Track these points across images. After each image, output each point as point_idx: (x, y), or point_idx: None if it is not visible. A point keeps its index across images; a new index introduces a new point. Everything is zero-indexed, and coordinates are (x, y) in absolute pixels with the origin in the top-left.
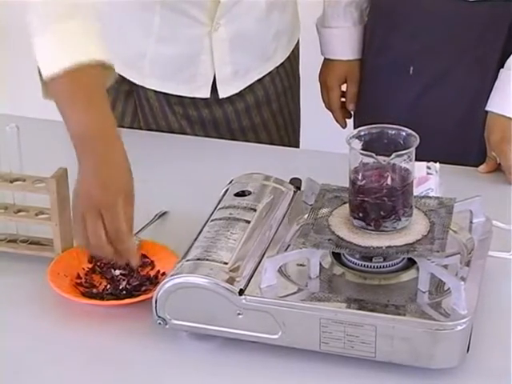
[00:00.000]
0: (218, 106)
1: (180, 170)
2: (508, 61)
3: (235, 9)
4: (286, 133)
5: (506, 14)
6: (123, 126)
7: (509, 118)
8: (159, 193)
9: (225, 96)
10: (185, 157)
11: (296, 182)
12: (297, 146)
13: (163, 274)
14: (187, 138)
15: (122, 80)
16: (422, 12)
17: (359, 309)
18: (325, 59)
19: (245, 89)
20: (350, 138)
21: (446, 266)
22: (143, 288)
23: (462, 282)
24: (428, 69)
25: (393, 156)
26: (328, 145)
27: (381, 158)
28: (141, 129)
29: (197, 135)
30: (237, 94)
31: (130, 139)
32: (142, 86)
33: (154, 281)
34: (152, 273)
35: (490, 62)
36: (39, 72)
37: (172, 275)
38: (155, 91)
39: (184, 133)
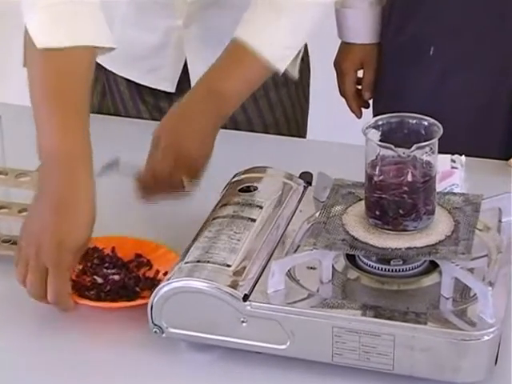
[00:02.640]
0: None
1: None
2: None
3: (210, 9)
4: (287, 124)
5: None
6: (91, 106)
7: None
8: None
9: None
10: None
11: (306, 177)
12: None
13: (165, 273)
14: None
15: None
16: None
17: (376, 316)
18: (341, 43)
19: None
20: (367, 127)
21: (471, 270)
22: (139, 289)
23: (490, 288)
24: (449, 50)
25: (413, 148)
26: (332, 136)
27: (400, 150)
28: (109, 111)
29: None
30: None
31: (112, 126)
32: (106, 70)
33: (155, 282)
34: (150, 273)
35: None
36: (25, 37)
37: (169, 279)
38: (126, 79)
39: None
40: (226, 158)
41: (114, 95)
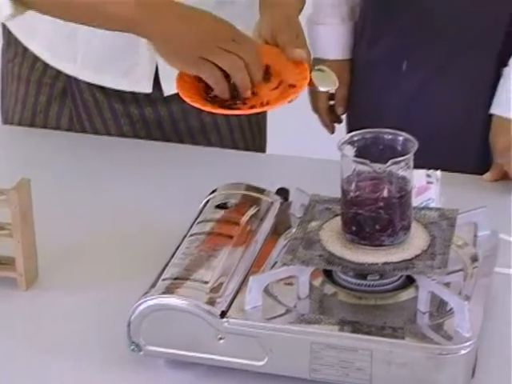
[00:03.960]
0: (163, 103)
1: (151, 178)
2: (511, 59)
3: None
4: (243, 135)
5: (506, 5)
6: (59, 129)
7: None
8: (130, 205)
9: (169, 93)
10: (154, 163)
11: (283, 193)
12: (262, 151)
13: (292, 85)
14: (149, 142)
15: (57, 75)
16: (413, 5)
17: (353, 332)
18: (313, 59)
19: None
20: (342, 143)
21: (448, 284)
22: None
23: (466, 302)
24: (422, 65)
25: (389, 163)
26: (304, 150)
27: (376, 166)
28: (76, 131)
29: (138, 136)
30: None
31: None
32: (76, 81)
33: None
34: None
35: (487, 58)
36: None
37: (147, 296)
38: (91, 86)
39: (123, 133)
40: (202, 174)
41: (79, 109)
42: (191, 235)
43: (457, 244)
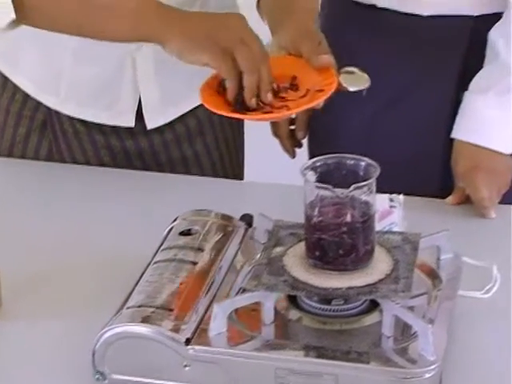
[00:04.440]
0: (144, 136)
1: (116, 206)
2: (471, 83)
3: None
4: (223, 167)
5: (463, 30)
6: (38, 160)
7: (476, 145)
8: (93, 233)
9: (153, 127)
10: (120, 192)
11: (247, 219)
12: (240, 179)
13: (320, 90)
14: (118, 171)
15: (37, 106)
16: (372, 29)
17: (318, 357)
18: None
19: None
20: (305, 169)
21: (411, 308)
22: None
23: (430, 325)
24: (382, 90)
25: (352, 188)
26: (278, 177)
27: (338, 191)
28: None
29: (118, 167)
30: (166, 124)
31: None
32: (57, 114)
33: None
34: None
35: (447, 82)
36: None
37: (111, 324)
38: (72, 118)
39: (103, 164)
40: (166, 201)
41: (59, 141)
42: (155, 263)
43: (420, 268)
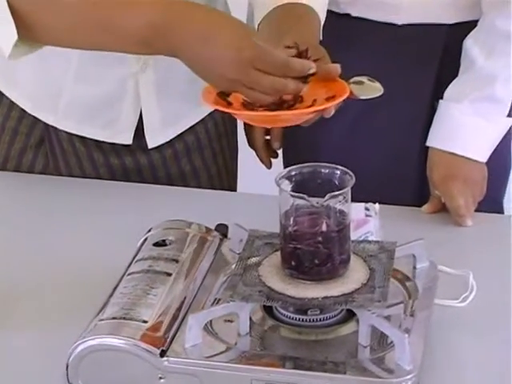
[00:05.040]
0: (143, 153)
1: (92, 218)
2: (447, 91)
3: None
4: (220, 180)
5: (438, 38)
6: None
7: (452, 153)
8: (71, 244)
9: (154, 146)
10: (96, 204)
11: (222, 229)
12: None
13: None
14: (101, 182)
15: (34, 123)
16: (347, 38)
17: (295, 367)
18: None
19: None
20: (280, 178)
21: (388, 318)
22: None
23: (406, 335)
24: (357, 100)
25: (327, 197)
26: (271, 188)
27: (314, 200)
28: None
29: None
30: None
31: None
32: (55, 130)
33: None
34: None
35: (423, 90)
36: None
37: (84, 337)
38: (70, 134)
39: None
40: (140, 211)
41: (57, 158)
42: (129, 274)
43: (396, 276)
